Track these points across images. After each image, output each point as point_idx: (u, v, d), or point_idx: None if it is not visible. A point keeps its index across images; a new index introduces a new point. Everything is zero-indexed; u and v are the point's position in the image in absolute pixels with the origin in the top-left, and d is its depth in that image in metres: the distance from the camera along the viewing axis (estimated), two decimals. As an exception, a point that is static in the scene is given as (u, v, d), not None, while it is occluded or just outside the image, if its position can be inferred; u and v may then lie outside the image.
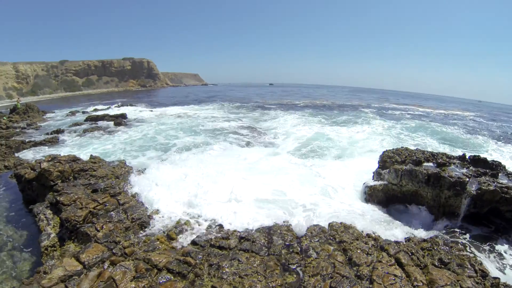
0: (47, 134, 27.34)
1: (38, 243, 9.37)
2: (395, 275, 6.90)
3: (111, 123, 33.17)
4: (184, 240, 8.88)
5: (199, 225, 9.94)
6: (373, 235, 9.37)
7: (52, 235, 9.47)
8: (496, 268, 8.38)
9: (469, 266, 7.60)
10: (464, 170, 11.51)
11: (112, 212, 9.78)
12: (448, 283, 6.72)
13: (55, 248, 9.10)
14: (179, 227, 9.50)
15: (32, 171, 12.94)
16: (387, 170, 13.58)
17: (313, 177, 16.43)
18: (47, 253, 8.93)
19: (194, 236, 8.88)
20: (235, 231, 9.37)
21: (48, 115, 42.00)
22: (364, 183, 14.31)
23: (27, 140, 24.51)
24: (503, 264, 8.62)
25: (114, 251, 7.92)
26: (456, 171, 11.37)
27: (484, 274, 7.52)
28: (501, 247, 9.31)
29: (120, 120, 34.77)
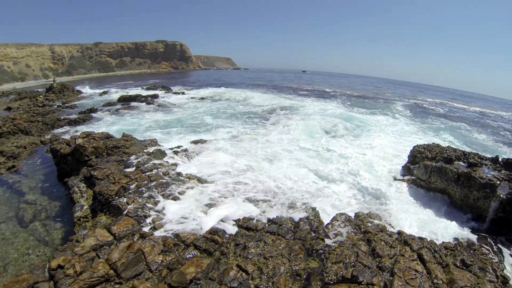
0: (81, 112, 28.28)
1: (72, 213, 9.88)
2: (416, 271, 6.85)
3: (143, 103, 33.91)
4: (212, 218, 9.02)
5: (228, 202, 10.19)
6: (397, 228, 9.38)
7: (85, 207, 9.95)
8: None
9: (490, 271, 7.44)
10: (496, 173, 11.20)
11: (143, 188, 10.13)
12: (468, 285, 6.61)
13: (87, 219, 9.58)
14: (208, 205, 9.72)
15: (67, 147, 13.51)
16: (417, 165, 13.41)
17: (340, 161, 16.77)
18: (80, 224, 9.41)
19: (222, 215, 9.03)
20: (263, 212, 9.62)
21: (82, 94, 43.32)
22: (393, 176, 14.28)
23: (62, 117, 25.50)
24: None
25: (143, 225, 8.24)
26: (487, 173, 11.10)
27: (505, 280, 7.37)
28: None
29: (151, 100, 35.47)
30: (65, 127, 23.22)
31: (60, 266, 6.33)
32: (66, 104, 32.79)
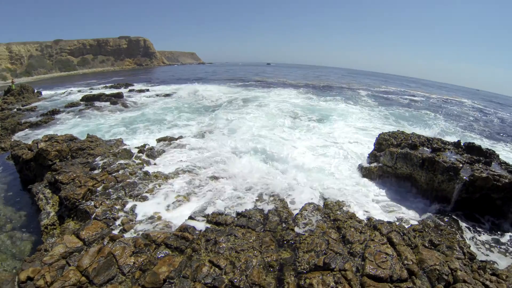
0: (43, 114, 27.16)
1: (38, 222, 9.53)
2: (387, 254, 7.10)
3: (107, 102, 32.90)
4: (182, 215, 9.04)
5: (196, 198, 10.24)
6: (367, 214, 9.66)
7: (51, 214, 9.63)
8: (483, 253, 8.71)
9: (458, 249, 7.85)
10: (458, 156, 11.69)
11: (110, 190, 9.92)
12: (437, 263, 6.92)
13: (54, 227, 9.28)
14: (177, 203, 9.71)
15: (29, 152, 13.00)
16: (383, 152, 13.77)
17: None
18: (47, 232, 9.11)
19: (191, 212, 9.03)
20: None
21: (43, 95, 41.64)
22: (359, 164, 14.64)
23: (23, 121, 24.40)
24: (490, 248, 8.93)
25: (112, 227, 8.10)
26: (450, 157, 11.55)
27: (472, 257, 7.79)
28: (490, 233, 9.65)
29: (116, 99, 34.41)
30: (26, 131, 22.26)
31: (29, 278, 6.16)
32: (26, 107, 31.30)
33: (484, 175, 10.18)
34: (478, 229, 9.78)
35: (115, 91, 41.12)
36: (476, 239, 9.32)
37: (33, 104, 33.31)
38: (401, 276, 6.48)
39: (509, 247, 9.04)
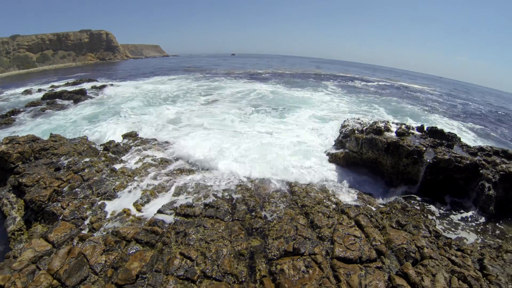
0: (2, 115, 25.88)
1: (4, 228, 9.19)
2: (355, 236, 7.40)
3: (70, 100, 31.80)
4: (150, 210, 9.06)
5: (163, 192, 10.27)
6: (334, 199, 9.92)
7: (17, 219, 9.30)
8: (449, 230, 9.25)
9: (424, 228, 8.33)
10: (422, 140, 12.29)
11: (77, 189, 9.71)
12: (404, 242, 7.30)
13: (22, 232, 8.96)
14: (145, 198, 9.68)
15: (-11, 156, 12.47)
16: (348, 138, 14.10)
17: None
18: (15, 238, 8.79)
19: (159, 206, 9.03)
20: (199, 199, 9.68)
21: (1, 95, 39.85)
22: (325, 151, 14.90)
23: (-20, 123, 23.30)
24: (455, 226, 9.48)
25: (81, 227, 7.98)
26: (414, 141, 12.05)
27: (438, 234, 8.26)
28: (454, 211, 10.25)
29: (79, 96, 33.28)
30: (-15, 133, 21.27)
31: (0, 286, 5.98)
32: (-17, 108, 29.92)
33: (446, 157, 10.79)
34: (443, 208, 10.41)
35: (77, 87, 39.53)
36: (441, 217, 9.92)
37: (-9, 105, 31.83)
38: (370, 257, 6.79)
39: (472, 224, 9.64)
